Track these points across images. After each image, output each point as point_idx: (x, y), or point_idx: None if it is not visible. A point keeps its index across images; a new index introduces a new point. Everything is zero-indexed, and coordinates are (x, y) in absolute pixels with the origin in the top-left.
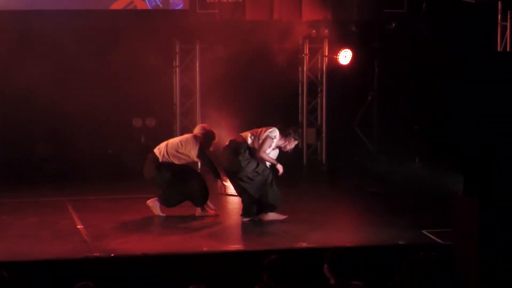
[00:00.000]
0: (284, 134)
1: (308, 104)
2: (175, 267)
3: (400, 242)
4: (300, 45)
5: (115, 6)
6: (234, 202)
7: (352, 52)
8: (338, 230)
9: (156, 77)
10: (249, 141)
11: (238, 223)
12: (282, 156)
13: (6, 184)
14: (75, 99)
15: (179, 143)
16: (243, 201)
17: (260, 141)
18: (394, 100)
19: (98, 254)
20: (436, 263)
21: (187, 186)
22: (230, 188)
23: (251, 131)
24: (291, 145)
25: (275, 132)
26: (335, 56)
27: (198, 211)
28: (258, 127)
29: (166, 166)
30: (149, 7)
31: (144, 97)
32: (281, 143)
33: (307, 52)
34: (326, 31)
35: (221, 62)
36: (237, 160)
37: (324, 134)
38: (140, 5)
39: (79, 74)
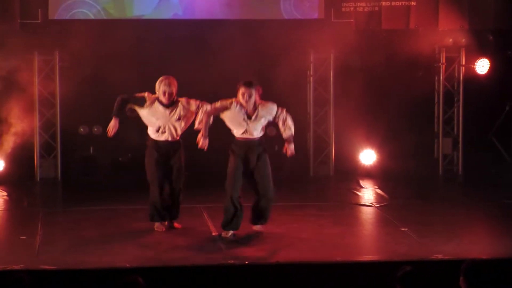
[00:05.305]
0: None
1: (444, 113)
2: (306, 276)
3: None
4: (437, 54)
5: None
6: (367, 212)
7: (489, 61)
8: (474, 241)
9: (290, 87)
10: None
11: (371, 233)
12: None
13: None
14: None
15: None
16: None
17: None
18: None
19: (232, 261)
20: None
21: None
22: None
23: None
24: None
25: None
26: (472, 66)
27: None
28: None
29: None
30: (285, 17)
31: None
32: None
33: (444, 61)
34: (463, 40)
35: (356, 71)
36: None
37: (460, 144)
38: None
39: (229, 82)
